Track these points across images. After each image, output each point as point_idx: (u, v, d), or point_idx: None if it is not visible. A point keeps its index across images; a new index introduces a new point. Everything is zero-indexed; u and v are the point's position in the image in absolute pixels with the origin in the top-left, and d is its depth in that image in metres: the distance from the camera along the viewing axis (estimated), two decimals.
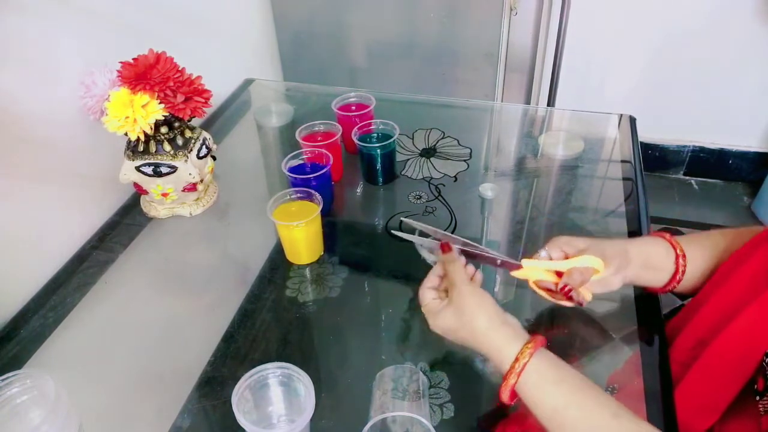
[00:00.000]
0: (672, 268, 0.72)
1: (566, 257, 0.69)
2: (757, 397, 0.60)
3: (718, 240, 0.74)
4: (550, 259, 0.70)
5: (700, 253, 0.73)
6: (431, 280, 0.69)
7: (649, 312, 0.76)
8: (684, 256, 0.72)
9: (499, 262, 0.70)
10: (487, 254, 0.71)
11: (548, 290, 0.71)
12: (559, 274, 0.69)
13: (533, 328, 0.77)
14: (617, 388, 0.67)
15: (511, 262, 0.70)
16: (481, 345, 0.61)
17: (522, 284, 0.83)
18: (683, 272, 0.72)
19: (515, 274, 0.70)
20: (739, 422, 0.63)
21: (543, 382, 0.57)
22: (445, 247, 0.69)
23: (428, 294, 0.67)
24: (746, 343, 0.61)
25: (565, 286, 0.67)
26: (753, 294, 0.61)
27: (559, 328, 0.76)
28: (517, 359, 0.58)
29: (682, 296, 0.79)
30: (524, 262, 0.69)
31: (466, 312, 0.62)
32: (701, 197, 2.15)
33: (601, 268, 0.67)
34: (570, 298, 0.68)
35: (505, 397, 0.59)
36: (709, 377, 0.64)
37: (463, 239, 0.72)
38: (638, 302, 0.77)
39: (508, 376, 0.58)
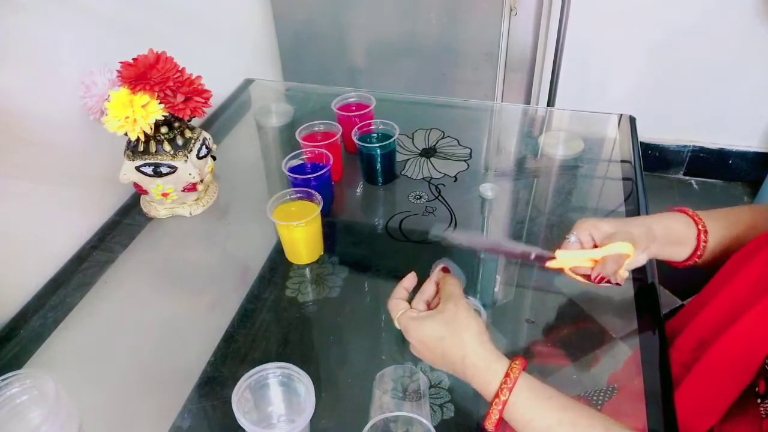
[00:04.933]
0: (694, 243, 0.72)
1: (594, 243, 0.70)
2: (759, 400, 0.60)
3: (743, 215, 0.73)
4: (580, 243, 0.70)
5: (720, 226, 0.73)
6: (400, 292, 0.68)
7: (649, 312, 0.76)
8: (706, 231, 0.72)
9: (532, 256, 0.70)
10: (518, 251, 0.71)
11: (585, 276, 0.71)
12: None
13: (533, 329, 0.77)
14: (617, 388, 0.67)
15: (544, 255, 0.70)
16: (464, 359, 0.59)
17: (522, 285, 0.83)
18: (704, 248, 0.72)
19: (550, 265, 0.70)
20: (740, 425, 0.63)
21: (534, 399, 0.56)
22: (445, 269, 0.69)
23: (402, 304, 0.66)
24: (748, 346, 0.60)
25: (599, 275, 0.67)
26: (755, 297, 0.61)
27: (559, 328, 0.76)
28: (507, 375, 0.56)
29: (682, 295, 0.79)
30: (558, 253, 0.69)
31: (458, 321, 0.60)
32: (701, 197, 2.15)
33: (632, 252, 0.67)
34: (608, 281, 0.68)
35: (493, 419, 0.57)
36: (710, 379, 0.64)
37: (489, 240, 0.72)
38: (638, 302, 0.77)
39: (499, 393, 0.56)
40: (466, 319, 0.61)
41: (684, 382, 0.66)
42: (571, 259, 0.69)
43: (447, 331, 0.60)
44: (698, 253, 0.72)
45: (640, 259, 0.72)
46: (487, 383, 0.57)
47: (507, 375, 0.56)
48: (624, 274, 0.70)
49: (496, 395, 0.56)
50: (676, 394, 0.66)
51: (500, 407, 0.56)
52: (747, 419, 0.62)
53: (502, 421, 0.57)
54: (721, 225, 0.73)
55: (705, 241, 0.72)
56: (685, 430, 0.63)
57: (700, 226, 0.72)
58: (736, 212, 0.74)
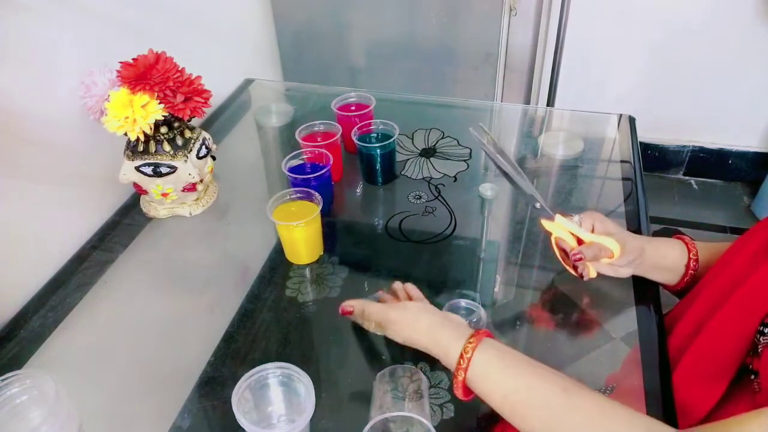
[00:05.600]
0: (682, 271, 0.76)
1: (593, 231, 0.73)
2: (753, 377, 0.60)
3: (722, 247, 0.76)
4: (580, 225, 0.74)
5: (708, 257, 0.75)
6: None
7: (649, 312, 0.76)
8: (697, 260, 0.75)
9: (538, 205, 0.75)
10: (528, 192, 0.75)
11: (563, 252, 0.74)
12: (579, 242, 0.73)
13: (533, 328, 0.77)
14: (616, 388, 0.67)
15: (547, 210, 0.74)
16: (430, 349, 0.63)
17: (522, 285, 0.83)
18: (692, 275, 0.75)
19: (545, 223, 0.74)
20: (737, 406, 0.63)
21: (489, 373, 0.58)
22: (344, 312, 0.71)
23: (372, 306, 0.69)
24: (739, 322, 0.62)
25: (579, 253, 0.71)
26: (750, 271, 0.62)
27: (559, 327, 0.76)
28: (461, 356, 0.58)
29: (682, 296, 0.79)
30: (558, 216, 0.73)
31: (408, 323, 0.64)
32: (701, 197, 2.15)
33: (617, 255, 0.71)
34: (575, 268, 0.72)
35: (458, 393, 0.60)
36: (705, 360, 0.65)
37: (512, 164, 0.76)
38: (638, 302, 0.77)
39: (456, 373, 0.59)
40: (410, 319, 0.65)
41: (680, 365, 0.67)
42: (565, 227, 0.73)
43: (406, 331, 0.65)
44: (685, 280, 0.76)
45: (624, 272, 0.76)
46: (449, 363, 0.61)
47: (461, 356, 0.59)
48: (592, 272, 0.74)
49: (454, 376, 0.59)
50: (673, 378, 0.66)
51: (460, 388, 0.59)
52: (743, 400, 0.62)
53: (469, 392, 0.60)
54: (710, 256, 0.75)
55: (694, 270, 0.75)
56: (683, 416, 0.64)
57: (691, 255, 0.75)
58: (724, 246, 0.76)
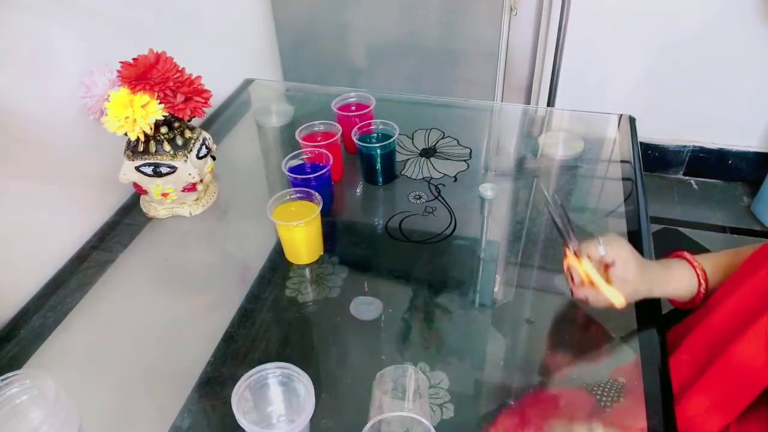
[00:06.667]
0: (689, 298, 0.75)
1: (608, 264, 0.70)
2: None
3: (730, 261, 0.75)
4: (602, 257, 0.70)
5: (717, 275, 0.75)
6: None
7: (649, 312, 0.76)
8: (706, 290, 0.74)
9: (571, 246, 0.72)
10: (566, 234, 0.73)
11: (570, 274, 0.73)
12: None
13: (534, 329, 0.77)
14: (624, 384, 0.67)
15: (574, 248, 0.72)
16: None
17: (522, 285, 0.84)
18: (697, 305, 0.75)
19: (569, 254, 0.72)
20: (756, 423, 0.63)
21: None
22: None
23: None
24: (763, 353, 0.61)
25: (582, 293, 0.71)
26: None
27: (560, 328, 0.76)
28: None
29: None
30: (585, 261, 0.71)
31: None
32: (701, 197, 2.15)
33: (619, 305, 0.70)
34: (571, 291, 0.72)
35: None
36: (728, 379, 0.64)
37: (566, 216, 0.74)
38: (638, 302, 0.77)
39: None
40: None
41: (699, 382, 0.66)
42: (583, 267, 0.71)
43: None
44: (689, 306, 0.76)
45: None
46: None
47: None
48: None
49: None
50: (689, 394, 0.66)
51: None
52: (762, 417, 0.62)
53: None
54: (722, 277, 0.75)
55: (699, 300, 0.75)
56: (698, 429, 0.64)
57: (702, 289, 0.74)
58: (726, 256, 0.76)
